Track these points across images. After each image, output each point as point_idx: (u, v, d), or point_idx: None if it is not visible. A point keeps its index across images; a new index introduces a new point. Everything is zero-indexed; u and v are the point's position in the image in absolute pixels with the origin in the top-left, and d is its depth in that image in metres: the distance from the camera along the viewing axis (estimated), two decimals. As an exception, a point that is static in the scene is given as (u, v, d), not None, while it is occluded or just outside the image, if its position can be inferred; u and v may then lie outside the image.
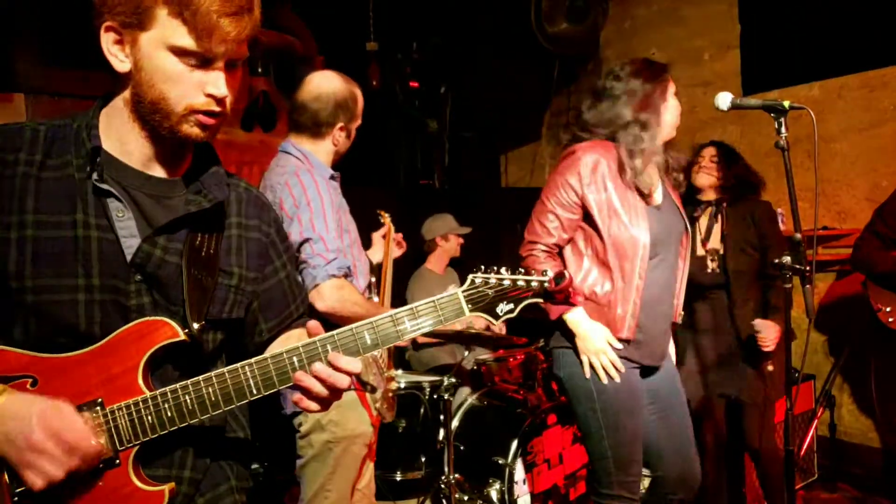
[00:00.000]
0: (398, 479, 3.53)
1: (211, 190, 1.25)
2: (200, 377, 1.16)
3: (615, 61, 5.33)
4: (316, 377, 1.15)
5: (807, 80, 4.22)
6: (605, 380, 2.24)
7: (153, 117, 1.15)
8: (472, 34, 5.37)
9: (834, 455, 3.94)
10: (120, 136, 1.19)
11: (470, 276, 1.26)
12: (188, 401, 1.14)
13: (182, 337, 1.16)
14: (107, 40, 1.13)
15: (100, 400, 1.13)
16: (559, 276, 1.28)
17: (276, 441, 2.43)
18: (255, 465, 2.83)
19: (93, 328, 1.14)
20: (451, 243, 4.27)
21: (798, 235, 1.97)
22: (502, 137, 6.12)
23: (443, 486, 3.24)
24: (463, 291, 1.24)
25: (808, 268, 1.97)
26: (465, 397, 3.60)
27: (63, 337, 1.14)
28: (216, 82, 1.14)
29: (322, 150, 2.33)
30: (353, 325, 1.19)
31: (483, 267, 1.28)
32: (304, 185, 2.15)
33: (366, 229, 2.82)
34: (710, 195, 3.18)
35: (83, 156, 1.17)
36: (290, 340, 1.35)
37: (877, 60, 3.93)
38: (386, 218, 2.86)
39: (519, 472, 3.15)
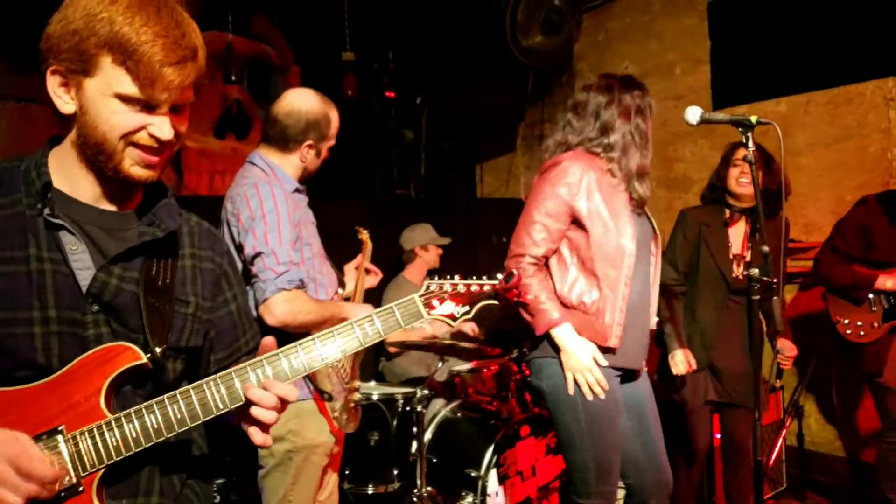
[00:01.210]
0: (370, 492, 3.50)
1: (163, 220, 1.27)
2: (165, 396, 1.16)
3: (589, 74, 5.43)
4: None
5: (774, 95, 4.32)
6: (589, 396, 2.25)
7: (98, 158, 1.16)
8: (448, 45, 5.40)
9: (802, 464, 4.00)
10: (69, 175, 1.20)
11: (426, 282, 1.35)
12: (153, 420, 1.14)
13: (144, 360, 1.16)
14: (52, 83, 1.15)
15: (61, 427, 1.12)
16: (508, 276, 1.37)
17: (237, 454, 2.40)
18: (219, 480, 2.78)
19: (51, 360, 1.14)
20: (430, 254, 4.27)
21: (766, 248, 2.00)
22: (478, 148, 6.16)
23: (415, 499, 3.22)
24: (420, 296, 1.32)
25: (776, 280, 2.00)
26: (439, 409, 3.59)
27: (21, 370, 1.13)
28: (161, 126, 1.15)
29: (289, 165, 2.34)
30: (318, 335, 1.23)
31: (437, 276, 1.37)
32: (262, 197, 2.15)
33: (340, 240, 2.79)
34: (745, 202, 3.08)
35: (33, 194, 1.17)
36: None
37: (842, 77, 4.03)
38: (364, 234, 2.83)
39: (492, 485, 3.14)
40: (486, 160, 6.20)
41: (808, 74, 4.15)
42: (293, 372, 1.22)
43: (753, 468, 2.08)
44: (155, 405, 1.15)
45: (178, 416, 1.15)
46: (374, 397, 3.45)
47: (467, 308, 1.34)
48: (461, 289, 1.33)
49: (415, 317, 1.29)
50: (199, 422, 1.16)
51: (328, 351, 1.24)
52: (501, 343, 3.84)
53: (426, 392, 3.30)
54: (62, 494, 1.09)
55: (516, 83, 5.59)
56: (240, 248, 2.15)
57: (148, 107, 1.14)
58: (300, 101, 2.32)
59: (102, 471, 1.12)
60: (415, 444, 3.48)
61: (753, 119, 1.98)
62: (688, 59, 4.81)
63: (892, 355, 3.17)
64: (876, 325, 3.20)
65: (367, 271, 2.72)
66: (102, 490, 1.13)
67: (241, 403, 1.18)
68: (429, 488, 3.17)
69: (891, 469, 3.23)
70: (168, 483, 1.25)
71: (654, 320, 2.53)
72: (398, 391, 3.59)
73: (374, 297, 3.08)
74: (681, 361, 2.99)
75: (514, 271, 1.35)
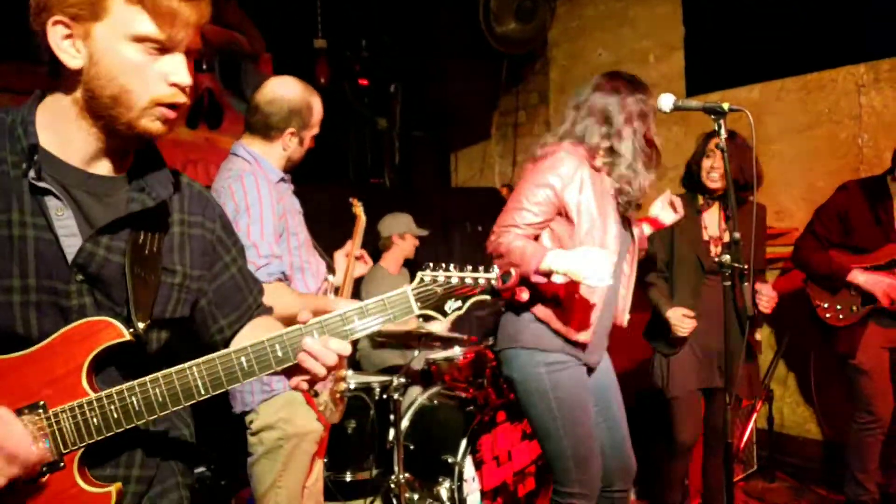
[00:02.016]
0: (348, 479, 3.51)
1: (154, 188, 1.22)
2: (147, 378, 1.14)
3: (563, 61, 5.43)
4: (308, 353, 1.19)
5: (747, 82, 4.35)
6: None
7: (111, 112, 1.11)
8: (422, 33, 5.37)
9: (772, 446, 4.07)
10: (62, 133, 1.15)
11: (419, 274, 1.28)
12: (134, 402, 1.13)
13: (127, 337, 1.14)
14: (55, 35, 1.08)
15: (42, 403, 1.10)
16: (506, 275, 1.31)
17: (222, 443, 2.40)
18: (201, 469, 2.77)
19: (30, 330, 1.11)
20: (407, 243, 4.26)
21: (737, 235, 2.02)
22: (452, 136, 6.14)
23: (393, 485, 3.23)
24: (412, 289, 1.26)
25: (746, 266, 2.02)
26: (415, 397, 3.59)
27: None
28: (179, 70, 1.12)
29: (273, 154, 2.32)
30: (303, 325, 1.20)
31: (431, 264, 1.30)
32: (246, 189, 2.14)
33: (315, 227, 2.77)
34: (718, 189, 3.06)
35: (18, 152, 1.12)
36: (258, 330, 1.38)
37: (814, 64, 4.08)
38: (358, 207, 2.82)
39: (468, 470, 3.16)
40: (461, 148, 6.19)
41: (780, 61, 4.19)
42: (278, 361, 1.20)
43: (724, 450, 2.10)
44: (137, 386, 1.13)
45: (160, 400, 1.14)
46: (352, 386, 3.45)
47: (459, 304, 1.29)
48: (454, 281, 1.28)
49: (406, 311, 1.25)
50: (181, 406, 1.15)
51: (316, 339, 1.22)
52: (478, 331, 3.85)
53: (403, 380, 3.31)
54: (43, 469, 1.09)
55: (490, 71, 5.59)
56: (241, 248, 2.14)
57: (164, 49, 1.10)
58: (282, 89, 2.30)
59: (83, 449, 1.12)
60: (392, 432, 3.49)
61: (725, 106, 1.99)
62: (661, 46, 4.83)
63: (865, 338, 3.24)
64: (854, 308, 3.25)
65: (357, 258, 2.72)
66: (84, 465, 1.13)
67: (223, 390, 1.17)
68: (406, 474, 3.18)
69: (861, 450, 3.30)
70: (149, 457, 1.25)
71: (626, 317, 2.54)
72: (375, 380, 3.60)
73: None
74: (680, 319, 2.96)
75: (512, 271, 1.32)
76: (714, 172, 3.00)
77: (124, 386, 1.13)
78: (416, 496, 3.30)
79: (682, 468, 3.26)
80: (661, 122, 4.60)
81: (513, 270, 1.33)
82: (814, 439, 4.20)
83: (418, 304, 1.26)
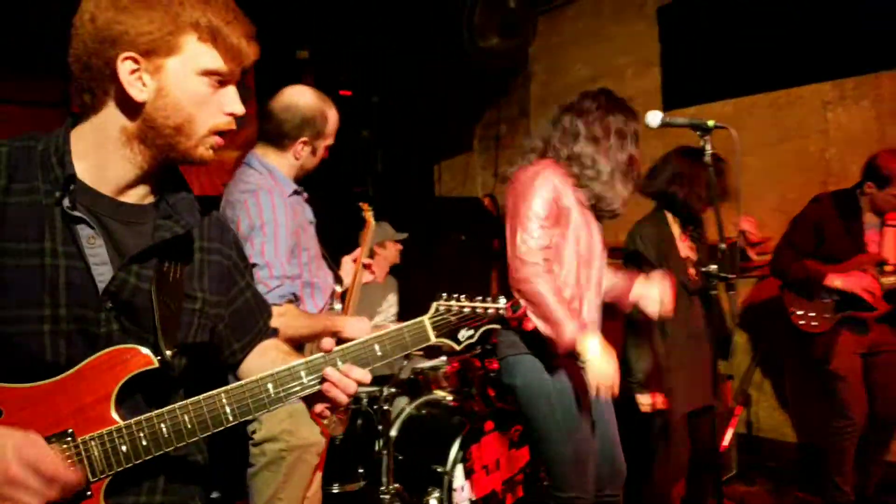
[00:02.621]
0: (335, 491, 3.52)
1: (182, 215, 1.26)
2: (176, 405, 1.15)
3: (543, 75, 5.54)
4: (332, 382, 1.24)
5: (721, 97, 4.49)
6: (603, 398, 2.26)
7: (171, 140, 1.18)
8: (405, 45, 5.43)
9: (751, 450, 4.18)
10: (100, 161, 1.18)
11: (434, 304, 1.35)
12: (164, 429, 1.13)
13: (156, 364, 1.16)
14: (124, 70, 1.13)
15: (70, 431, 1.10)
16: (515, 304, 1.40)
17: (227, 463, 2.39)
18: (215, 494, 2.74)
19: (58, 358, 1.12)
20: (389, 251, 4.30)
21: (723, 245, 2.11)
22: (435, 147, 6.21)
23: (383, 496, 3.25)
24: (429, 318, 1.33)
25: (732, 275, 2.11)
26: (403, 407, 3.62)
27: (28, 368, 1.11)
28: (234, 100, 1.21)
29: (285, 164, 2.34)
30: (327, 354, 1.25)
31: (445, 294, 1.37)
32: (261, 207, 2.15)
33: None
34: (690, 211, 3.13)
35: (51, 181, 1.14)
36: (269, 352, 1.42)
37: (783, 81, 4.23)
38: (368, 212, 2.84)
39: (458, 479, 3.20)
40: (444, 159, 6.26)
41: (752, 78, 4.34)
42: (303, 388, 1.25)
43: (713, 454, 2.18)
44: (166, 413, 1.14)
45: (189, 427, 1.15)
46: (353, 406, 3.47)
47: (472, 332, 1.36)
48: (467, 312, 1.35)
49: (422, 340, 1.31)
50: (208, 433, 1.17)
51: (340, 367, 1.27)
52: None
53: (392, 390, 3.34)
54: (71, 500, 1.08)
55: (473, 84, 5.67)
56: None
57: (223, 82, 1.19)
58: (297, 97, 2.32)
59: (111, 477, 1.11)
60: (379, 443, 3.52)
61: (711, 123, 2.09)
62: (638, 62, 4.96)
63: (840, 344, 3.36)
64: (828, 316, 3.38)
65: (365, 266, 2.73)
66: (110, 494, 1.12)
67: (250, 418, 1.21)
68: (396, 485, 3.21)
69: (837, 453, 3.42)
70: (172, 483, 1.26)
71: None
72: (363, 390, 3.62)
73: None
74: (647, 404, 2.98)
75: (522, 301, 1.38)
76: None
77: (153, 413, 1.14)
78: (406, 505, 3.33)
79: (674, 486, 3.24)
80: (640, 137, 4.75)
81: (522, 301, 1.40)
82: (790, 443, 4.33)
83: (434, 332, 1.33)
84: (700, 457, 3.21)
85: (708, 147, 2.11)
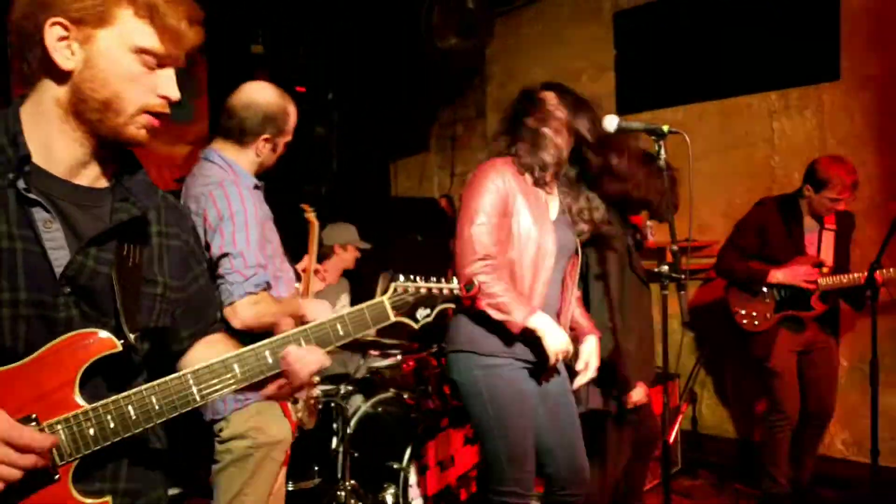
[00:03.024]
0: (290, 488, 3.50)
1: (140, 198, 1.25)
2: (142, 387, 1.15)
3: (500, 76, 5.60)
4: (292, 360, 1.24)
5: (673, 103, 4.63)
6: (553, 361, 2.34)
7: (100, 115, 1.13)
8: (361, 42, 5.42)
9: (695, 446, 4.33)
10: (46, 140, 1.15)
11: (392, 284, 1.40)
12: (131, 411, 1.13)
13: (119, 348, 1.15)
14: (51, 35, 1.09)
15: (34, 416, 1.08)
16: (469, 284, 1.46)
17: (190, 460, 2.37)
18: (175, 491, 2.69)
19: (16, 344, 1.10)
20: (348, 255, 4.28)
21: (675, 247, 2.19)
22: (391, 146, 6.21)
23: (339, 492, 3.26)
24: (388, 298, 1.37)
25: (683, 276, 2.19)
26: (359, 405, 3.63)
27: None
28: (170, 84, 1.17)
29: (245, 159, 2.33)
30: (290, 332, 1.26)
31: (402, 276, 1.41)
32: (229, 197, 2.14)
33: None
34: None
35: (3, 162, 1.11)
36: (216, 344, 1.40)
37: (732, 90, 4.39)
38: (310, 213, 2.82)
39: (413, 476, 3.23)
40: (400, 159, 6.27)
41: (702, 86, 4.49)
42: (269, 368, 1.26)
43: (662, 447, 2.26)
44: (132, 395, 1.14)
45: (157, 409, 1.15)
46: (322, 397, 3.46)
47: (428, 311, 1.41)
48: (423, 292, 1.39)
49: (382, 318, 1.35)
50: (176, 414, 1.17)
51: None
52: (420, 339, 3.92)
53: (350, 388, 3.35)
54: (37, 483, 1.07)
55: (430, 84, 5.69)
56: (206, 248, 2.12)
57: (159, 64, 1.15)
58: (258, 94, 2.30)
59: (77, 461, 1.11)
60: (335, 440, 3.52)
61: (665, 128, 2.16)
62: (594, 67, 5.06)
63: (779, 343, 3.53)
64: (769, 315, 3.53)
65: (315, 272, 2.73)
66: (77, 478, 1.12)
67: (216, 398, 1.21)
68: (352, 482, 3.22)
69: (773, 446, 3.59)
70: (134, 469, 1.25)
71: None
72: (318, 389, 3.62)
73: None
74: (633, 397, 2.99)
75: (475, 280, 1.44)
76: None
77: (120, 396, 1.13)
78: (360, 503, 3.34)
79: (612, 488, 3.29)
80: (594, 139, 4.84)
81: (475, 280, 1.47)
82: (731, 438, 4.49)
83: (393, 311, 1.37)
84: (637, 447, 3.28)
85: (662, 152, 2.18)
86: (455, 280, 1.45)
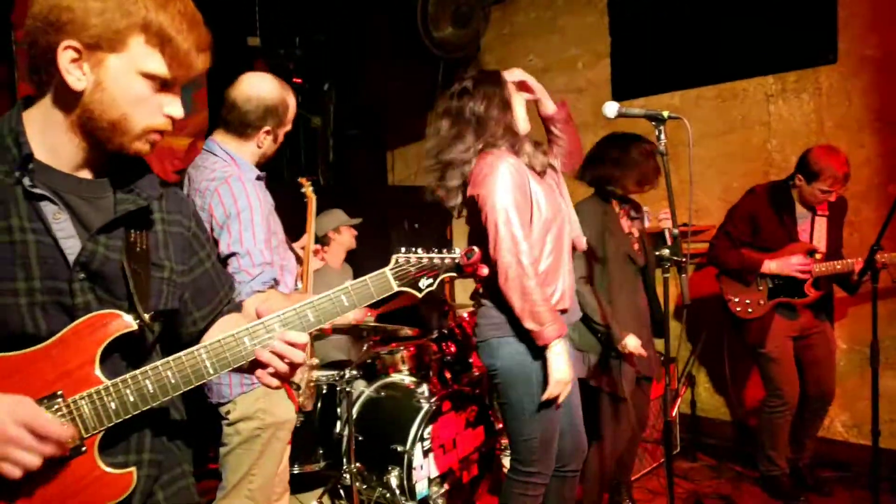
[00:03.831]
0: (296, 472, 3.56)
1: (144, 189, 1.31)
2: (158, 363, 1.21)
3: (495, 66, 5.61)
4: (273, 353, 1.25)
5: (669, 89, 4.65)
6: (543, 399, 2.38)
7: (107, 134, 1.19)
8: (358, 33, 5.43)
9: (693, 429, 4.38)
10: (51, 142, 1.21)
11: (394, 256, 1.44)
12: (148, 385, 1.20)
13: (134, 327, 1.21)
14: (64, 58, 1.14)
15: (59, 392, 1.15)
16: (469, 252, 1.48)
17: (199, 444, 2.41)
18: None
19: (38, 329, 1.16)
20: (344, 236, 4.33)
21: (676, 231, 2.22)
22: (388, 136, 6.22)
23: (344, 475, 3.30)
24: (390, 269, 1.41)
25: (684, 259, 2.22)
26: (362, 389, 3.68)
27: (9, 340, 1.15)
28: (175, 104, 1.22)
29: (247, 151, 2.35)
30: (297, 305, 1.30)
31: (403, 248, 1.45)
32: (235, 195, 2.15)
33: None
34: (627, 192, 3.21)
35: (8, 161, 1.17)
36: (228, 324, 1.44)
37: (728, 74, 4.41)
38: (307, 187, 2.83)
39: (417, 458, 3.28)
40: (396, 148, 6.28)
41: (698, 70, 4.51)
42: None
43: (664, 428, 2.29)
44: (150, 370, 1.20)
45: (173, 382, 1.21)
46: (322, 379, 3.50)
47: (431, 280, 1.44)
48: (425, 262, 1.43)
49: (386, 289, 1.39)
50: (192, 387, 1.23)
51: (311, 319, 1.32)
52: (420, 324, 3.97)
53: (354, 373, 3.39)
54: (67, 455, 1.14)
55: (426, 73, 5.69)
56: (214, 244, 2.14)
57: (166, 85, 1.20)
58: (259, 86, 2.31)
59: (102, 432, 1.18)
60: (339, 424, 3.57)
61: (665, 114, 2.18)
62: (589, 54, 5.08)
63: (773, 329, 3.55)
64: (762, 302, 3.57)
65: (314, 252, 2.75)
66: (102, 450, 1.19)
67: (229, 370, 1.26)
68: (357, 464, 3.26)
69: (772, 430, 3.63)
70: (157, 440, 1.32)
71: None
72: (322, 374, 3.66)
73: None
74: (628, 345, 3.04)
75: (475, 248, 1.46)
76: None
77: (138, 371, 1.20)
78: (365, 486, 3.39)
79: (611, 468, 3.35)
80: (588, 127, 4.90)
81: (475, 248, 1.49)
82: (728, 421, 4.55)
83: (396, 281, 1.41)
84: (635, 428, 3.34)
85: (663, 137, 2.20)
86: (457, 249, 1.48)
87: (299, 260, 2.56)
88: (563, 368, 2.34)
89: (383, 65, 5.52)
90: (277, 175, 5.44)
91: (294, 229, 2.89)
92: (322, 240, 4.31)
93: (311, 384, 2.51)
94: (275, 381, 1.28)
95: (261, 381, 1.28)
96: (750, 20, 4.27)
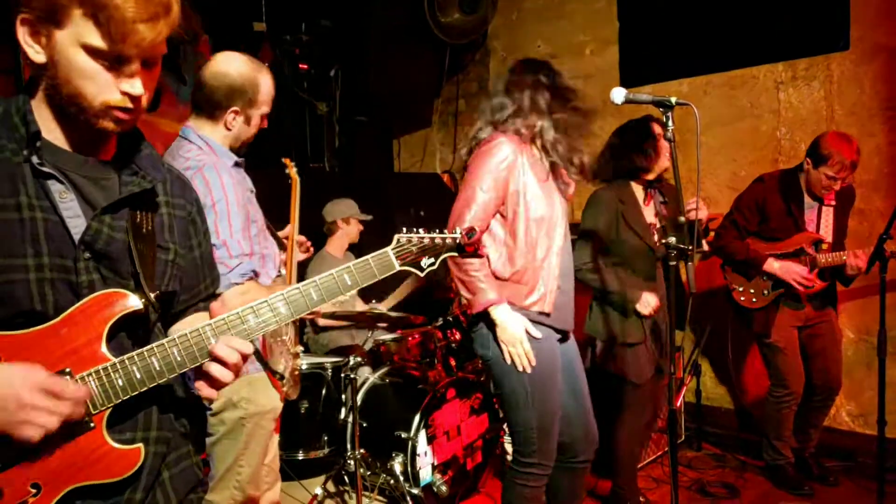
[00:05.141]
0: (301, 458, 3.58)
1: (148, 171, 1.31)
2: (163, 340, 1.22)
3: (502, 52, 5.58)
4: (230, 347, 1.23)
5: (677, 76, 4.61)
6: (519, 368, 2.39)
7: (70, 108, 1.18)
8: (365, 19, 5.39)
9: (698, 418, 4.37)
10: (46, 122, 1.22)
11: (396, 237, 1.44)
12: (155, 363, 1.20)
13: (140, 306, 1.22)
14: (23, 32, 1.15)
15: (68, 370, 1.16)
16: (470, 232, 1.49)
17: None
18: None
19: (46, 306, 1.17)
20: (351, 227, 4.31)
21: (682, 219, 2.20)
22: (395, 122, 6.20)
23: (349, 461, 3.31)
24: (392, 249, 1.41)
25: (690, 247, 2.21)
26: (367, 376, 3.68)
27: (19, 317, 1.15)
28: (131, 81, 1.18)
29: (219, 135, 2.25)
30: (301, 284, 1.31)
31: (405, 229, 1.46)
32: (210, 185, 2.07)
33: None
34: (648, 175, 3.21)
35: (17, 139, 1.18)
36: (197, 322, 1.38)
37: (738, 62, 4.36)
38: (291, 168, 2.74)
39: (421, 445, 3.29)
40: (403, 135, 6.26)
41: (707, 58, 4.47)
42: (283, 318, 1.30)
43: (668, 416, 2.28)
44: (155, 348, 1.21)
45: (178, 359, 1.22)
46: (304, 368, 3.51)
47: (433, 260, 1.45)
48: (426, 242, 1.44)
49: (388, 268, 1.39)
50: (197, 364, 1.23)
51: (314, 297, 1.32)
52: (425, 312, 3.96)
53: (359, 360, 3.39)
54: (75, 431, 1.15)
55: (432, 59, 5.66)
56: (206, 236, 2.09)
57: (118, 61, 1.15)
58: (225, 65, 2.20)
59: (110, 409, 1.19)
60: (344, 411, 3.58)
61: (673, 100, 2.15)
62: (597, 40, 5.03)
63: (778, 319, 3.54)
64: (766, 292, 3.55)
65: (300, 244, 2.68)
66: (110, 426, 1.20)
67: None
68: (361, 450, 3.27)
69: (777, 420, 3.62)
70: (164, 419, 1.33)
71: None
72: (327, 361, 3.67)
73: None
74: (649, 302, 3.04)
75: (476, 228, 1.46)
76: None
77: (144, 349, 1.21)
78: (370, 472, 3.40)
79: (639, 450, 3.37)
80: (596, 114, 4.84)
81: (476, 228, 1.50)
82: (732, 410, 4.54)
83: (398, 261, 1.41)
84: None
85: (671, 123, 2.18)
86: (458, 230, 1.49)
87: (281, 245, 2.49)
88: (506, 328, 2.38)
89: (390, 51, 5.49)
90: (282, 161, 5.44)
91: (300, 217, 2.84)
92: (329, 226, 4.30)
93: (296, 373, 2.49)
94: (212, 393, 1.26)
95: (200, 391, 1.27)
96: (760, 6, 4.22)
